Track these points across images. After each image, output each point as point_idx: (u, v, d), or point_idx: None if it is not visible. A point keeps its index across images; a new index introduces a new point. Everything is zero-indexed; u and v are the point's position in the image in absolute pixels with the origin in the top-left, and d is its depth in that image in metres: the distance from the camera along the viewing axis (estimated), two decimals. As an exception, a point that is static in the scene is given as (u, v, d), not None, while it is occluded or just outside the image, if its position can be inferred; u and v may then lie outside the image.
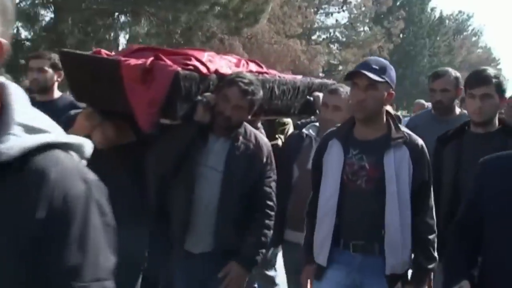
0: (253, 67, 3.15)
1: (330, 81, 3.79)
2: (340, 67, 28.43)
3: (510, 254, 1.88)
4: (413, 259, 2.47)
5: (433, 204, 2.50)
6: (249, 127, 2.80)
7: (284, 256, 3.30)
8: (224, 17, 10.95)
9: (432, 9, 39.09)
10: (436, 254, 2.46)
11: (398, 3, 34.38)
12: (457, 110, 3.62)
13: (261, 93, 2.73)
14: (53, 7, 10.12)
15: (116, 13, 11.01)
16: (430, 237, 2.45)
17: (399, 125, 2.53)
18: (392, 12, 32.25)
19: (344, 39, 30.38)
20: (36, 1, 9.88)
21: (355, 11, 30.50)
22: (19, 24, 10.20)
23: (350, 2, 29.85)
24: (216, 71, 2.72)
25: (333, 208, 2.46)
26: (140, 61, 2.54)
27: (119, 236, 2.88)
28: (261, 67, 3.24)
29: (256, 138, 2.76)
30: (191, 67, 2.58)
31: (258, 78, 2.91)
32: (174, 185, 2.73)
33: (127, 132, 2.74)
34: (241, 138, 2.72)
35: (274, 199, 2.76)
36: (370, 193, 2.42)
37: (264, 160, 2.73)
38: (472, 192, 2.11)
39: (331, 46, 28.82)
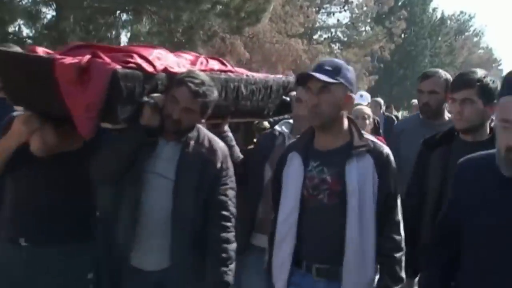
0: (215, 65, 2.89)
1: None
2: (341, 67, 28.39)
3: (483, 259, 1.82)
4: (378, 280, 2.25)
5: (400, 219, 2.30)
6: (203, 130, 2.58)
7: (247, 258, 2.90)
8: (226, 16, 10.94)
9: (433, 10, 39.07)
10: (403, 274, 2.25)
11: (399, 3, 34.36)
12: (447, 115, 3.39)
13: (215, 94, 2.51)
14: (55, 5, 10.12)
15: (118, 11, 11.01)
16: (397, 255, 2.23)
17: (363, 132, 2.34)
18: (394, 12, 32.21)
19: (345, 39, 30.35)
20: (38, -1, 9.89)
21: (357, 11, 30.48)
22: (20, 21, 10.23)
23: (352, 2, 29.81)
24: (166, 70, 2.48)
25: (293, 226, 2.26)
26: (75, 60, 2.29)
27: (63, 252, 2.50)
28: (225, 65, 2.99)
29: (210, 142, 2.54)
30: (133, 65, 2.34)
31: (218, 77, 2.72)
32: (119, 195, 2.48)
33: (72, 138, 2.45)
34: (192, 142, 2.49)
35: (232, 208, 2.51)
36: (332, 208, 2.22)
37: (219, 165, 2.50)
38: (450, 195, 2.04)
39: (333, 45, 28.74)
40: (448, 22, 41.91)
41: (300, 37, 21.55)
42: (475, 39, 47.05)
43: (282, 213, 2.34)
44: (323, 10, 29.86)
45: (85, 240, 2.58)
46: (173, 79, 2.46)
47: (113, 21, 11.05)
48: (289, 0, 20.70)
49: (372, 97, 9.39)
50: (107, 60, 2.33)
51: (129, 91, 2.30)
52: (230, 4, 10.71)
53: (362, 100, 8.11)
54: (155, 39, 11.01)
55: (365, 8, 30.09)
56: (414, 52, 34.99)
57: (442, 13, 40.94)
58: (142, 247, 2.43)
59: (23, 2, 10.07)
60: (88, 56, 2.32)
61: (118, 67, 2.28)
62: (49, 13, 10.54)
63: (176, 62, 2.63)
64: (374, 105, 8.59)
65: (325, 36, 30.07)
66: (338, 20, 30.46)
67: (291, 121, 3.03)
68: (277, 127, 3.00)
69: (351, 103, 2.33)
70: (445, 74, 3.38)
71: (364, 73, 27.16)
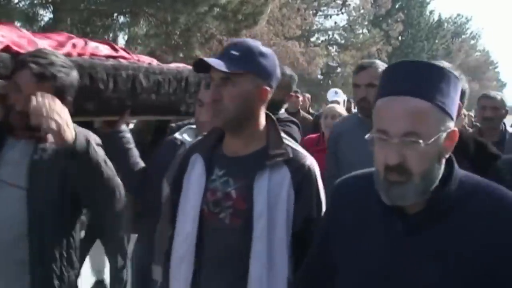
0: (100, 49, 2.39)
1: None
2: (339, 69, 28.47)
3: None
4: None
5: None
6: None
7: None
8: (223, 18, 10.95)
9: (430, 12, 39.17)
10: None
11: (396, 6, 34.42)
12: None
13: (72, 76, 1.94)
14: (52, 7, 10.11)
15: (115, 14, 11.00)
16: None
17: (284, 136, 1.84)
18: (391, 14, 32.27)
19: (342, 41, 30.38)
20: (35, 1, 9.86)
21: (354, 14, 30.52)
22: (18, 24, 10.21)
23: (349, 5, 29.88)
24: (8, 49, 1.99)
25: (191, 250, 1.79)
26: None
27: None
28: (116, 50, 2.48)
29: None
30: None
31: (103, 64, 2.28)
32: None
33: None
34: (50, 140, 1.93)
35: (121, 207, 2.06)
36: (236, 231, 1.74)
37: None
38: (322, 224, 1.60)
39: (330, 48, 28.80)
40: (445, 24, 42.00)
41: (297, 40, 21.59)
42: (472, 41, 47.17)
43: (179, 233, 1.86)
44: (320, 13, 29.92)
45: None
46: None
47: (110, 24, 11.04)
48: (287, 2, 20.74)
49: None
50: None
51: None
52: (228, 7, 10.73)
53: (337, 96, 7.73)
54: (152, 41, 11.02)
55: (362, 11, 30.14)
56: (411, 54, 35.04)
57: (439, 15, 41.14)
58: None
59: (20, 4, 10.05)
60: None
61: None
62: (46, 15, 10.53)
63: (29, 41, 2.12)
64: None
65: (322, 38, 30.11)
66: (335, 23, 30.52)
67: (194, 126, 2.51)
68: (177, 135, 2.48)
69: (268, 98, 1.82)
70: (383, 65, 2.92)
71: (362, 76, 27.21)
